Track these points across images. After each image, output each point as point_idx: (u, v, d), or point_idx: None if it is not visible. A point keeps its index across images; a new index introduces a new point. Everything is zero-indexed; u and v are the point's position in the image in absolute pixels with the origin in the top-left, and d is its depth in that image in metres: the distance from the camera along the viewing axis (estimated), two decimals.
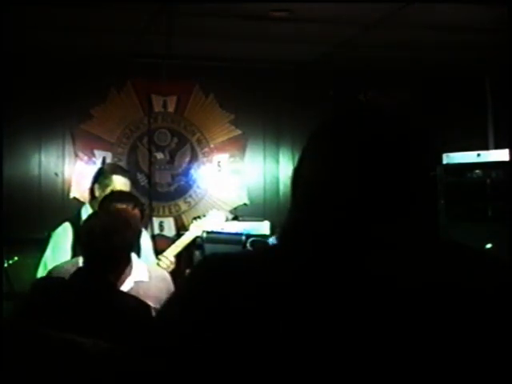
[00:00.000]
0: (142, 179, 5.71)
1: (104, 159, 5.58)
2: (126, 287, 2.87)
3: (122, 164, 5.44)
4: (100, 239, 2.59)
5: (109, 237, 2.59)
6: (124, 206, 3.32)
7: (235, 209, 5.81)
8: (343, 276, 1.06)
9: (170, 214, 5.75)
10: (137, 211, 3.40)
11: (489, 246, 4.69)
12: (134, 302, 2.56)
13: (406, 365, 1.01)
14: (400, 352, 1.01)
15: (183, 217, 5.77)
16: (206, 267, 1.19)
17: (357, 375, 1.01)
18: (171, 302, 1.21)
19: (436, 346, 1.01)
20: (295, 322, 1.04)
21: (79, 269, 2.67)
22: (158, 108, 5.81)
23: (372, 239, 1.08)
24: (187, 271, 3.38)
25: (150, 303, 2.61)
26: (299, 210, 1.17)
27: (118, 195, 3.64)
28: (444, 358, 1.01)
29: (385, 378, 1.00)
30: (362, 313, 1.03)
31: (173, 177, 5.82)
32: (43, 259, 3.89)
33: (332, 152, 1.14)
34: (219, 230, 3.86)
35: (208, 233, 3.73)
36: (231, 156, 5.94)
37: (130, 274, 2.93)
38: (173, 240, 4.28)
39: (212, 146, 5.90)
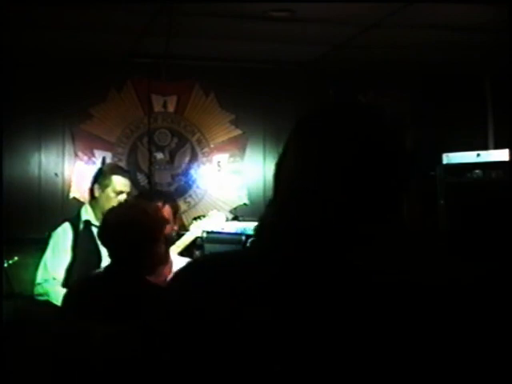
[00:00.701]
0: (142, 179, 5.71)
1: (104, 159, 5.58)
2: None
3: (122, 164, 5.44)
4: (118, 231, 2.55)
5: (126, 228, 2.54)
6: (154, 204, 3.32)
7: (235, 209, 5.81)
8: (325, 272, 1.07)
9: None
10: (167, 207, 3.49)
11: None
12: (157, 290, 2.49)
13: (387, 359, 1.02)
14: (381, 347, 1.02)
15: (183, 217, 5.77)
16: (191, 269, 1.20)
17: (341, 369, 1.02)
18: (161, 303, 1.21)
19: (409, 341, 1.03)
20: (276, 318, 1.05)
21: (106, 267, 2.66)
22: (157, 108, 5.81)
23: (354, 236, 1.08)
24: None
25: None
26: (281, 205, 1.17)
27: (148, 194, 3.66)
28: (415, 349, 1.03)
29: (367, 370, 1.02)
30: (340, 309, 1.04)
31: (173, 177, 5.82)
32: (43, 259, 3.90)
33: (316, 147, 1.15)
34: (219, 230, 3.86)
35: (208, 233, 3.73)
36: (231, 156, 5.94)
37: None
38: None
39: (212, 145, 5.90)
